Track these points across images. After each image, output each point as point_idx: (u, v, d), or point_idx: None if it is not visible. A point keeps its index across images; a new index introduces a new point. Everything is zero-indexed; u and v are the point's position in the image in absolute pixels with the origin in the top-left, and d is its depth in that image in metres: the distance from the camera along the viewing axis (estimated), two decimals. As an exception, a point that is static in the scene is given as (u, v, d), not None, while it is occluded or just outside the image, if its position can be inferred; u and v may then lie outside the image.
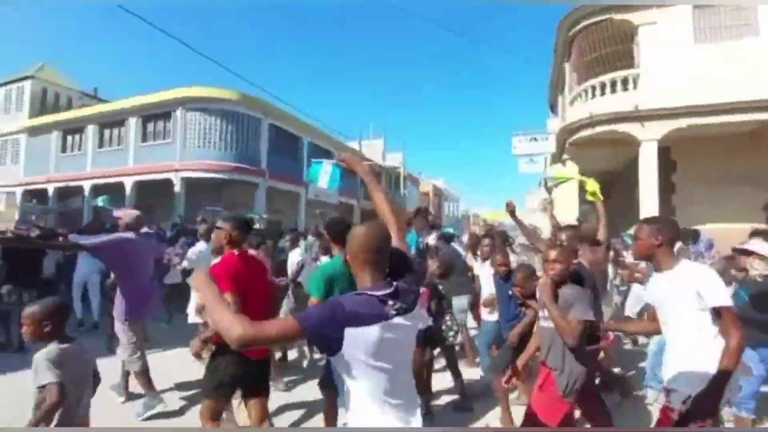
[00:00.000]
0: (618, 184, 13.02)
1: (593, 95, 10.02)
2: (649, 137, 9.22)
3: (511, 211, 3.53)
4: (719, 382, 1.61)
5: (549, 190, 17.66)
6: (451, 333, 3.31)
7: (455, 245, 5.52)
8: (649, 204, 9.18)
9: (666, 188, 10.01)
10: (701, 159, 9.86)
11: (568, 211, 11.29)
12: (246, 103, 15.73)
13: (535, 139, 13.11)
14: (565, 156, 11.51)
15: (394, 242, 1.34)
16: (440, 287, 3.44)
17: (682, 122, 8.89)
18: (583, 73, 10.66)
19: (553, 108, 16.16)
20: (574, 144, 10.75)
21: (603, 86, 9.84)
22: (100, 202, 8.59)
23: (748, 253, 2.88)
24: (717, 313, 1.69)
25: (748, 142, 9.26)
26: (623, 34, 9.98)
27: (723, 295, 1.70)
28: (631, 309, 5.18)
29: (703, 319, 1.73)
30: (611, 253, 4.40)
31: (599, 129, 9.83)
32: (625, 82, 9.56)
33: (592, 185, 3.48)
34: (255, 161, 16.08)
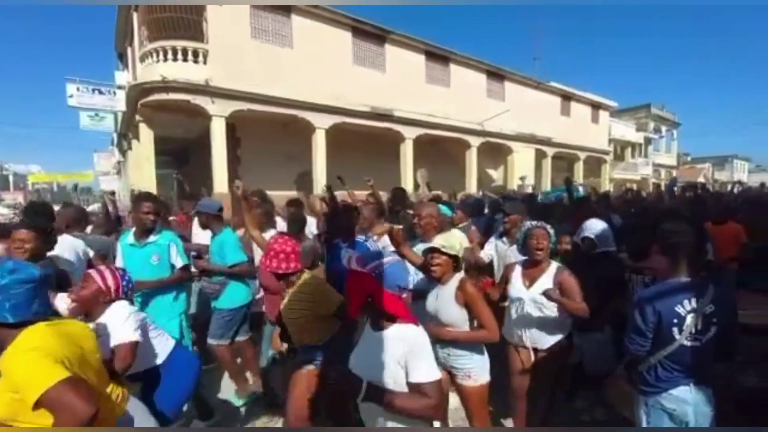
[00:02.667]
0: (196, 151, 13.53)
1: (165, 58, 9.60)
2: (218, 113, 10.06)
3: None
4: None
5: (123, 152, 15.72)
6: None
7: None
8: (219, 174, 10.16)
9: (234, 160, 11.46)
10: (259, 138, 11.95)
11: (143, 178, 10.54)
12: None
13: (100, 91, 11.05)
14: (138, 118, 10.47)
15: None
16: None
17: (244, 106, 10.34)
18: (153, 31, 9.90)
19: (122, 57, 14.14)
20: (148, 106, 10.00)
21: (175, 51, 9.60)
22: None
23: None
24: None
25: (288, 128, 12.16)
26: (193, 4, 10.06)
27: None
28: None
29: None
30: None
31: (173, 96, 9.63)
32: (196, 53, 9.79)
33: None
34: None
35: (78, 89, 10.72)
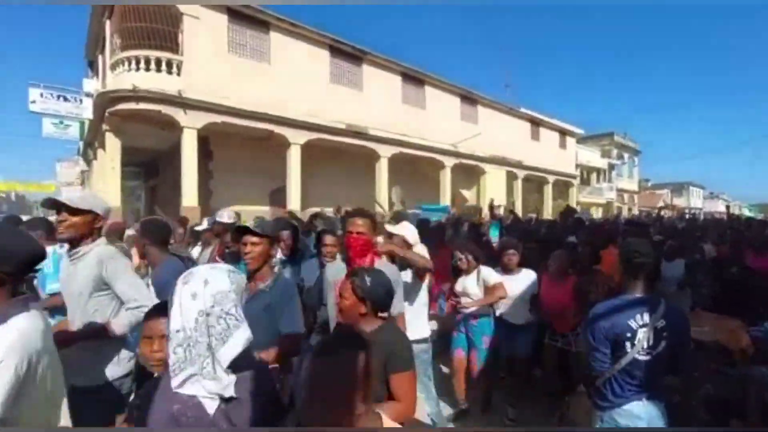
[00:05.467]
0: (166, 163, 13.16)
1: (137, 67, 9.41)
2: (190, 125, 9.87)
3: None
4: None
5: (88, 162, 15.11)
6: None
7: None
8: (189, 187, 9.89)
9: (205, 173, 11.21)
10: (232, 152, 11.77)
11: (107, 188, 10.13)
12: None
13: (66, 98, 10.67)
14: (105, 127, 10.13)
15: None
16: None
17: (218, 118, 10.20)
18: (126, 39, 9.73)
19: (92, 65, 13.77)
20: (116, 115, 9.72)
21: (148, 61, 9.44)
22: None
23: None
24: None
25: (263, 143, 12.06)
26: (170, 15, 10.00)
27: None
28: None
29: None
30: None
31: (143, 105, 9.42)
32: (169, 64, 9.65)
33: None
34: None
35: (42, 95, 10.31)
